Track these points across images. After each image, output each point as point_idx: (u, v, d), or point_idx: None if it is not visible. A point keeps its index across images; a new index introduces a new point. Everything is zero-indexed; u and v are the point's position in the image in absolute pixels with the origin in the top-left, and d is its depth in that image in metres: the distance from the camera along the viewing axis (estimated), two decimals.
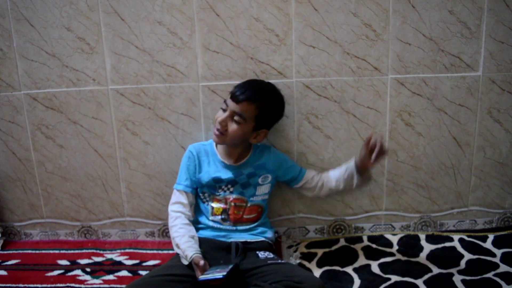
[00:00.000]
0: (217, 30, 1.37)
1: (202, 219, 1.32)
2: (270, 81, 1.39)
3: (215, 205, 1.30)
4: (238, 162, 1.31)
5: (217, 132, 1.26)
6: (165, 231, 1.55)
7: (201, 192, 1.32)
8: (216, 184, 1.29)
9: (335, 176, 1.33)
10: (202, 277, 1.09)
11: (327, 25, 1.36)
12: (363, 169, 1.27)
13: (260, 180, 1.32)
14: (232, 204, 1.29)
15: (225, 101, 1.26)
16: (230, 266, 1.11)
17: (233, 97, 1.23)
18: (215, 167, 1.31)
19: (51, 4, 1.37)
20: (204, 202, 1.32)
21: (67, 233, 1.58)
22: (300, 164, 1.42)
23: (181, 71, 1.41)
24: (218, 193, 1.30)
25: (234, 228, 1.29)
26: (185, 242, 1.20)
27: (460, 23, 1.36)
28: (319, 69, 1.39)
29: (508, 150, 1.46)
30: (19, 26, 1.40)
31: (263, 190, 1.33)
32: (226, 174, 1.29)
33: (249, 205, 1.31)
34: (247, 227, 1.30)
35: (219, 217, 1.29)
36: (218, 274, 1.07)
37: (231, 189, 1.30)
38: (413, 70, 1.39)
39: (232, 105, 1.23)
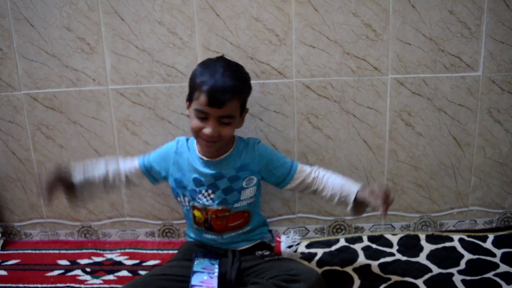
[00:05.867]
0: (217, 30, 1.37)
1: (189, 226, 1.28)
2: (270, 81, 1.39)
3: (196, 213, 1.21)
4: (218, 157, 1.16)
5: (209, 144, 1.11)
6: (165, 231, 1.55)
7: (181, 195, 1.21)
8: (196, 187, 1.18)
9: (332, 189, 1.16)
10: None
11: (327, 25, 1.36)
12: (361, 204, 1.14)
13: (244, 184, 1.18)
14: (213, 216, 1.18)
15: (200, 111, 1.08)
16: (216, 268, 1.13)
17: (214, 103, 1.06)
18: (194, 166, 1.18)
19: (51, 4, 1.37)
20: (187, 209, 1.24)
21: (67, 233, 1.58)
22: None
23: (181, 71, 1.41)
24: (198, 199, 1.19)
25: (219, 236, 1.22)
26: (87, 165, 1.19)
27: (460, 23, 1.36)
28: (319, 69, 1.39)
29: (508, 150, 1.46)
30: (19, 26, 1.40)
31: (248, 194, 1.20)
32: (205, 174, 1.17)
33: (232, 213, 1.19)
34: (234, 233, 1.22)
35: (203, 226, 1.21)
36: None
37: (212, 196, 1.17)
38: (413, 70, 1.39)
39: (214, 111, 1.07)
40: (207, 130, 1.08)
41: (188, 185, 1.20)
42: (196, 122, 1.10)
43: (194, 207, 1.21)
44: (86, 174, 1.18)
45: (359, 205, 1.14)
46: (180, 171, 1.20)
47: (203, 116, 1.09)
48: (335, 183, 1.17)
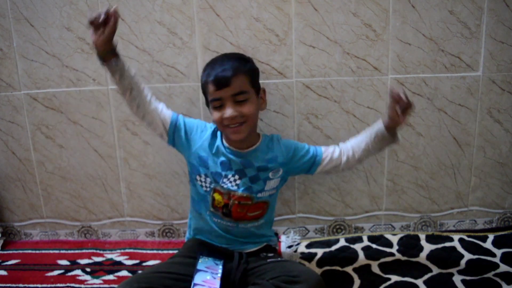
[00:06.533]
0: (217, 30, 1.37)
1: (201, 210, 1.24)
2: (270, 81, 1.39)
3: (216, 196, 1.19)
4: (246, 149, 1.19)
5: (234, 128, 1.12)
6: (165, 231, 1.55)
7: (203, 174, 1.19)
8: (222, 171, 1.18)
9: (360, 145, 1.21)
10: None
11: (327, 25, 1.36)
12: (392, 129, 1.17)
13: (270, 174, 1.20)
14: (236, 202, 1.18)
15: (214, 99, 1.12)
16: (220, 268, 1.12)
17: (220, 83, 1.09)
18: (222, 151, 1.18)
19: (51, 4, 1.37)
20: (205, 190, 1.20)
21: (67, 233, 1.58)
22: None
23: (181, 71, 1.41)
24: (222, 183, 1.18)
25: (235, 224, 1.21)
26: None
27: (460, 23, 1.36)
28: (319, 69, 1.39)
29: (508, 150, 1.46)
30: (19, 26, 1.40)
31: (272, 184, 1.21)
32: (233, 160, 1.17)
33: (254, 202, 1.20)
34: (250, 224, 1.22)
35: (220, 211, 1.20)
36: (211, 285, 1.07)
37: (238, 182, 1.18)
38: (413, 70, 1.39)
39: (226, 92, 1.10)
40: (227, 112, 1.10)
41: (211, 167, 1.19)
42: (216, 114, 1.13)
43: (215, 190, 1.20)
44: (128, 65, 1.12)
45: (391, 133, 1.18)
46: (206, 151, 1.20)
47: (219, 105, 1.12)
48: (359, 138, 1.23)
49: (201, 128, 1.22)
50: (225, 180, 1.18)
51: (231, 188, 1.18)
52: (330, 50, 1.38)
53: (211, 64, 1.15)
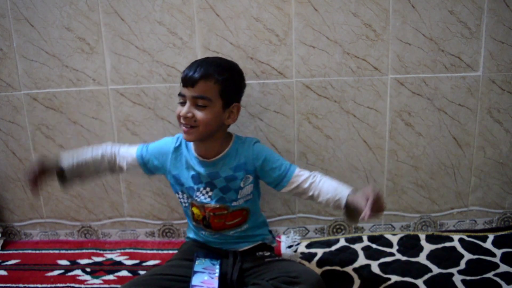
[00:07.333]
0: (217, 30, 1.37)
1: (188, 222, 1.28)
2: (270, 81, 1.39)
3: (195, 210, 1.21)
4: (214, 157, 1.16)
5: (185, 129, 1.10)
6: (165, 231, 1.55)
7: (180, 191, 1.21)
8: (194, 185, 1.18)
9: (327, 193, 1.12)
10: None
11: (327, 25, 1.36)
12: (354, 210, 1.07)
13: (242, 184, 1.17)
14: (211, 213, 1.18)
15: (179, 94, 1.12)
16: (217, 268, 1.12)
17: (186, 82, 1.09)
18: (191, 164, 1.18)
19: (51, 4, 1.38)
20: (185, 205, 1.23)
21: (67, 233, 1.58)
22: (300, 164, 1.41)
23: (181, 71, 1.39)
24: (196, 197, 1.18)
25: (218, 234, 1.21)
26: (73, 154, 1.19)
27: (460, 23, 1.36)
28: (319, 69, 1.39)
29: (508, 150, 1.46)
30: (19, 26, 1.40)
31: (245, 192, 1.18)
32: (201, 172, 1.16)
33: (230, 211, 1.18)
34: (232, 231, 1.21)
35: (201, 223, 1.21)
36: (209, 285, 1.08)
37: (210, 194, 1.17)
38: (413, 70, 1.39)
39: (189, 92, 1.09)
40: (183, 110, 1.10)
41: (185, 183, 1.19)
42: (177, 109, 1.12)
43: (192, 204, 1.21)
44: (77, 159, 1.19)
45: (353, 211, 1.08)
46: (177, 168, 1.20)
47: (182, 101, 1.12)
48: (330, 188, 1.13)
49: (164, 148, 1.21)
50: (197, 193, 1.18)
51: (204, 200, 1.18)
52: (330, 50, 1.38)
53: (194, 62, 1.14)
